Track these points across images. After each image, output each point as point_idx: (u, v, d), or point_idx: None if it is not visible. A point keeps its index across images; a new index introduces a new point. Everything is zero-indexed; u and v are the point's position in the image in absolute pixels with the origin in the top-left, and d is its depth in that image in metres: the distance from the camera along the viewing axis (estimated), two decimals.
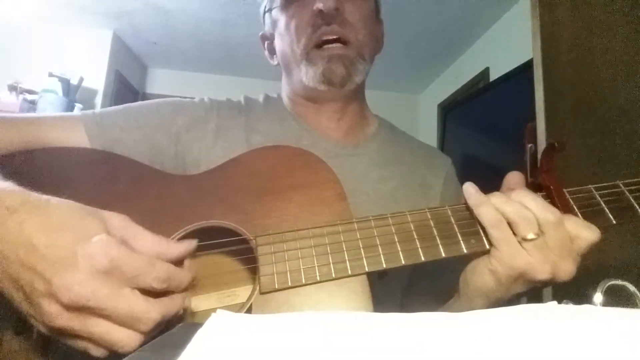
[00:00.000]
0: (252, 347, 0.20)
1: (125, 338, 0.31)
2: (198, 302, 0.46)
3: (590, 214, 0.43)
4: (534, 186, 0.46)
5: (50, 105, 2.47)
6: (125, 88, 3.19)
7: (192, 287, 0.38)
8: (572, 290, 0.38)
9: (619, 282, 0.33)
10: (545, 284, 0.40)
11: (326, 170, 0.48)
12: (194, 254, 0.39)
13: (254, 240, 0.42)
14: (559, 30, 1.13)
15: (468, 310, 0.26)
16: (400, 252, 0.41)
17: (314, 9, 0.59)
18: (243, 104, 0.68)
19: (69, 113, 0.59)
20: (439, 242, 0.42)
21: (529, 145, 0.47)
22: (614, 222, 0.43)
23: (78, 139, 0.53)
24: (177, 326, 0.28)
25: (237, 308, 0.41)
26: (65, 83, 2.59)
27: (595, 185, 0.45)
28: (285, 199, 0.45)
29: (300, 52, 0.61)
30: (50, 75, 2.56)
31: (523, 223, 0.39)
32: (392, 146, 0.69)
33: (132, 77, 3.33)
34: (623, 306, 0.26)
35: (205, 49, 3.17)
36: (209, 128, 0.62)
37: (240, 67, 3.39)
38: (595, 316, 0.24)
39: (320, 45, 0.60)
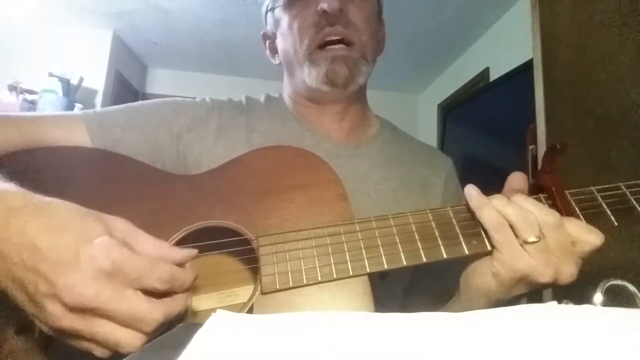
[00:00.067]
0: (253, 347, 0.20)
1: (128, 338, 0.31)
2: (199, 302, 0.46)
3: (592, 216, 0.43)
4: (536, 187, 0.45)
5: (50, 105, 2.47)
6: (125, 88, 3.18)
7: (194, 287, 0.38)
8: (572, 290, 0.38)
9: (619, 282, 0.33)
10: (546, 286, 0.40)
11: (327, 170, 0.48)
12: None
13: (255, 241, 0.42)
14: (559, 30, 1.13)
15: (468, 310, 0.26)
16: (401, 253, 0.41)
17: (318, 9, 0.58)
18: (244, 104, 0.68)
19: (70, 112, 0.58)
20: (440, 243, 0.42)
21: (531, 147, 0.47)
22: (616, 224, 0.43)
23: (79, 138, 0.53)
24: (177, 326, 0.27)
25: (238, 308, 0.41)
26: (65, 83, 2.59)
27: (597, 187, 0.45)
28: (286, 199, 0.45)
29: (303, 53, 0.61)
30: (50, 75, 2.55)
31: (524, 226, 0.39)
32: (393, 147, 0.69)
33: (132, 77, 3.32)
34: (623, 306, 0.26)
35: (205, 49, 3.16)
36: (211, 128, 0.62)
37: (241, 67, 3.38)
38: (595, 316, 0.24)
39: (323, 46, 0.59)
